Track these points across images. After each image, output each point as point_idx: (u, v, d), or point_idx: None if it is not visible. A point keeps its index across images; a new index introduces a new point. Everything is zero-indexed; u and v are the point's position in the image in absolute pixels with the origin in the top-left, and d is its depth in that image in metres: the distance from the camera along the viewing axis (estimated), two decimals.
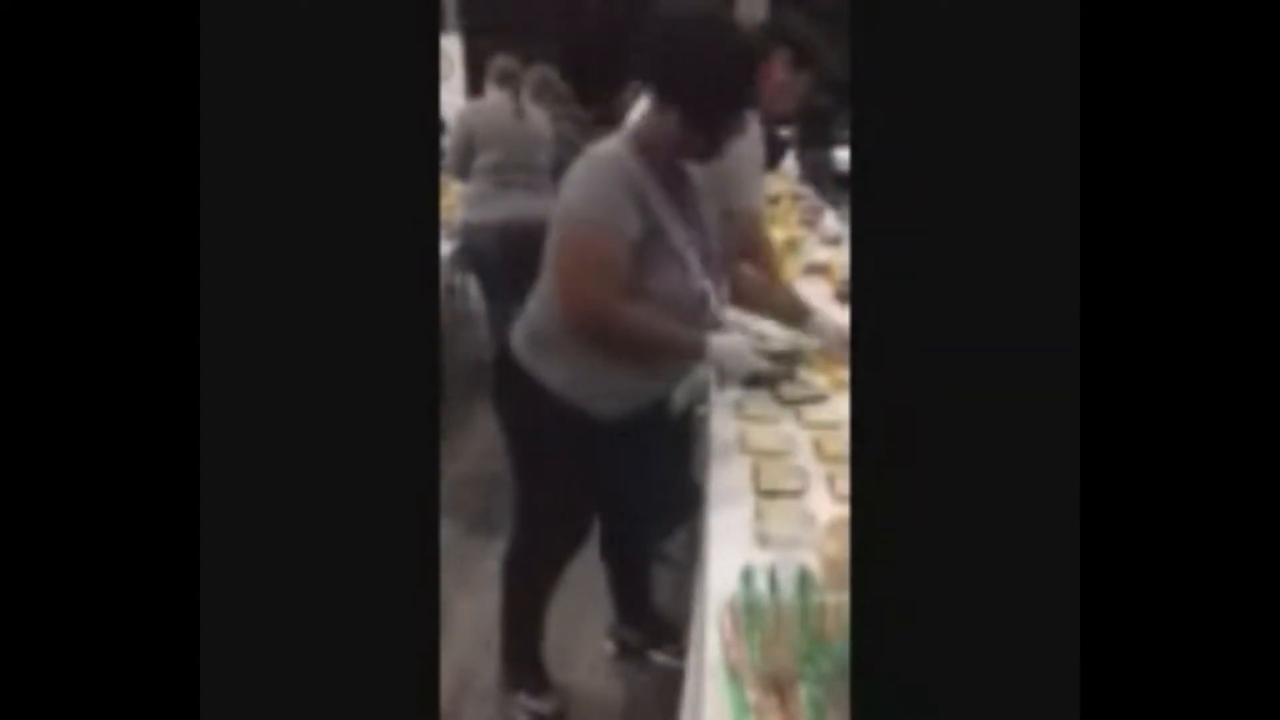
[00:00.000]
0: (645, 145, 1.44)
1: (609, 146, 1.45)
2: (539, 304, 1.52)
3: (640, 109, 1.68)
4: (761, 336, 1.76)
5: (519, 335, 1.54)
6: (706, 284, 1.50)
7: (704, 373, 1.73)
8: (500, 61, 3.32)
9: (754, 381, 1.67)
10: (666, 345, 1.49)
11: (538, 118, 3.31)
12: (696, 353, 1.47)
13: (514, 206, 3.11)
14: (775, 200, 3.26)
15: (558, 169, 3.08)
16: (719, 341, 1.47)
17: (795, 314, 1.76)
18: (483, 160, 3.13)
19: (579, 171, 1.42)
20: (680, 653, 1.86)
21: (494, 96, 3.26)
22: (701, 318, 1.50)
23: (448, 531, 2.54)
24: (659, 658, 2.01)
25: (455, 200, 3.38)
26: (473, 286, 3.68)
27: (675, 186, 1.48)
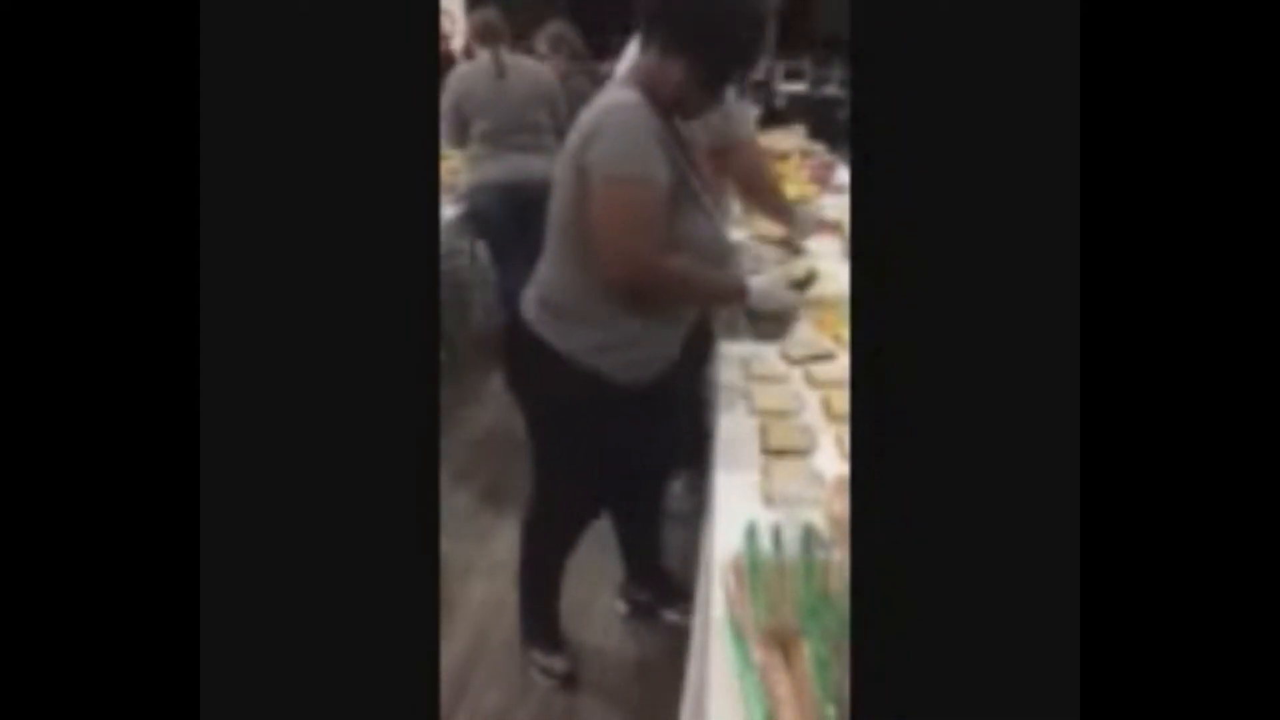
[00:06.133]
0: (652, 96, 1.39)
1: (624, 97, 1.39)
2: (551, 269, 1.48)
3: (628, 61, 1.66)
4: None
5: (530, 301, 1.52)
6: (726, 229, 1.50)
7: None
8: (480, 15, 3.10)
9: (771, 329, 1.67)
10: (712, 292, 1.52)
11: (525, 73, 3.12)
12: (740, 295, 1.51)
13: (513, 169, 3.02)
14: (785, 157, 3.21)
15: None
16: (754, 281, 1.52)
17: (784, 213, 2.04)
18: (477, 128, 3.04)
19: (601, 125, 1.35)
20: (690, 612, 1.88)
21: (480, 58, 3.09)
22: (727, 263, 1.49)
23: (461, 499, 2.56)
24: (670, 617, 2.02)
25: (459, 164, 3.27)
26: (483, 252, 3.54)
27: (678, 136, 1.46)
